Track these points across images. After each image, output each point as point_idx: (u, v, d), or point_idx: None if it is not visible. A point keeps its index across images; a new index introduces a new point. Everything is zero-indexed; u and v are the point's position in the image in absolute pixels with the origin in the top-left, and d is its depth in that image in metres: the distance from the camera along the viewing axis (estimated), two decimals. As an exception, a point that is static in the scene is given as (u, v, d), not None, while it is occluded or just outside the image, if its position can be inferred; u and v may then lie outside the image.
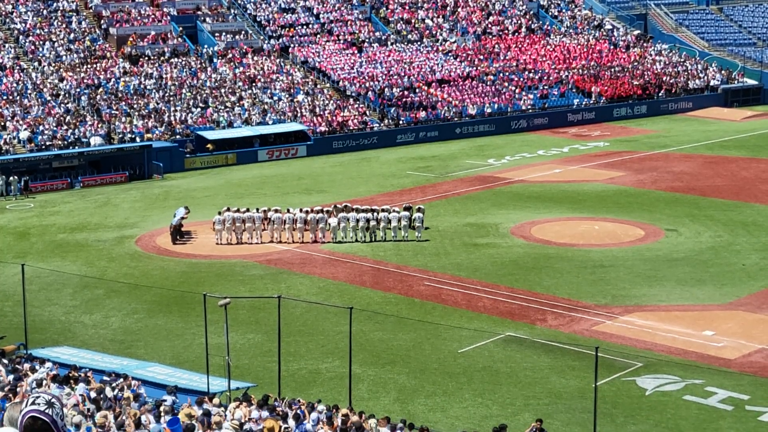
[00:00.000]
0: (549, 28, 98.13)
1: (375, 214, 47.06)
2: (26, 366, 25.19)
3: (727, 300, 37.47)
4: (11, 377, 22.92)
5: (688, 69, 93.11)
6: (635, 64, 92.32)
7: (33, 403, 6.93)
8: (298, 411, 22.54)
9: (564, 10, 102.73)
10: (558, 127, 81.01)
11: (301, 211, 47.28)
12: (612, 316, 35.66)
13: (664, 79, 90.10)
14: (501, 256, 43.71)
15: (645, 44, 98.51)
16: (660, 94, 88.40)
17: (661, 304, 36.96)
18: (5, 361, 26.08)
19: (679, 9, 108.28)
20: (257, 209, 47.77)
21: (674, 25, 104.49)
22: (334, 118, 74.58)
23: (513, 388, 29.57)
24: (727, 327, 34.46)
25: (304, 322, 35.35)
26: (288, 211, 47.39)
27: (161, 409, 20.96)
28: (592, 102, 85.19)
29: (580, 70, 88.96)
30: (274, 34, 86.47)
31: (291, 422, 21.90)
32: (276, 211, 47.36)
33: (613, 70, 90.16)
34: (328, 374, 30.79)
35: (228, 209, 47.52)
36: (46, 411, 6.91)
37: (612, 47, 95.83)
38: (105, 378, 24.76)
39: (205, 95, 74.47)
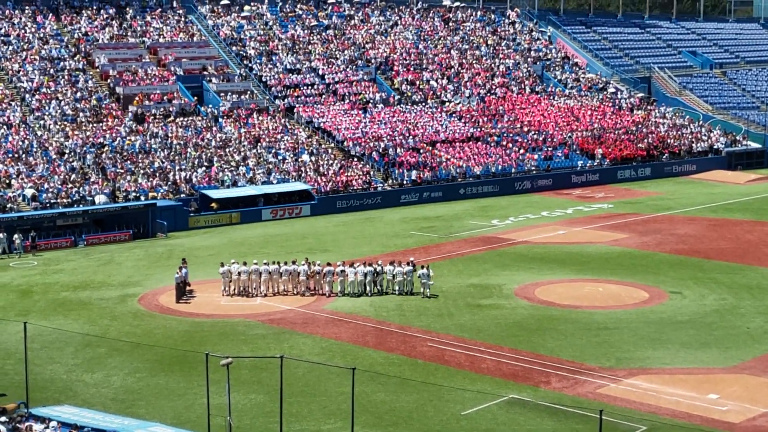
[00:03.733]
0: (553, 90, 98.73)
1: (380, 267, 47.43)
2: (26, 425, 25.05)
3: (731, 363, 37.25)
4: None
5: (692, 132, 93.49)
6: (639, 126, 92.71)
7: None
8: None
9: (568, 73, 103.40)
10: (562, 188, 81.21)
11: (305, 262, 47.86)
12: (616, 379, 35.43)
13: (668, 141, 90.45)
14: (505, 318, 43.55)
15: (649, 107, 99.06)
16: (664, 157, 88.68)
17: (665, 367, 36.74)
18: (4, 419, 25.95)
19: (683, 72, 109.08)
20: (265, 262, 48.18)
21: (678, 88, 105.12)
22: (338, 177, 74.80)
23: (516, 451, 29.31)
24: (732, 390, 34.23)
25: (307, 383, 35.15)
26: (293, 263, 47.91)
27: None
28: (596, 164, 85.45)
29: (584, 132, 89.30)
30: (280, 95, 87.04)
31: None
32: (285, 263, 47.88)
33: (617, 132, 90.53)
34: (330, 436, 30.56)
35: (235, 262, 48.05)
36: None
37: (616, 109, 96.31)
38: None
39: (210, 154, 74.77)
